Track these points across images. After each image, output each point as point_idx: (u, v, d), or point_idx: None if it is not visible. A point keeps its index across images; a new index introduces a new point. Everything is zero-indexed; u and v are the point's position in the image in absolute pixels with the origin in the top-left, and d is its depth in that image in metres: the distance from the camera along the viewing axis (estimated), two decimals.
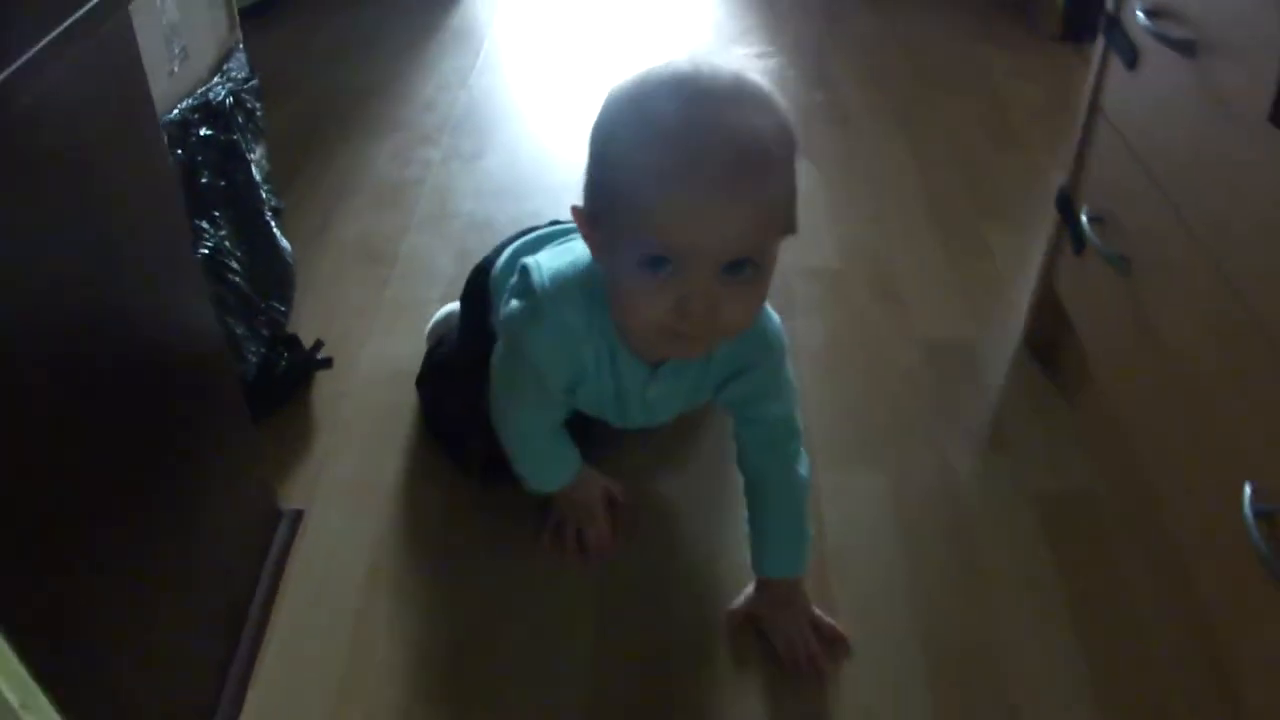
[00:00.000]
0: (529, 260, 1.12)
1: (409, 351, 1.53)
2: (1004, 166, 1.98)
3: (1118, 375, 1.30)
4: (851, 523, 1.31)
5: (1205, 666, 1.09)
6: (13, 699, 0.76)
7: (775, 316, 1.14)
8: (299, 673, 1.15)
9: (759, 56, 2.51)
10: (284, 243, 1.57)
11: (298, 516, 1.32)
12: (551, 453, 1.27)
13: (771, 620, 1.18)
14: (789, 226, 0.97)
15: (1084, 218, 1.35)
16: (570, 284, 1.08)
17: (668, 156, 0.89)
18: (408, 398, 1.48)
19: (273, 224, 1.56)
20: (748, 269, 0.93)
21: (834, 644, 1.17)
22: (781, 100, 0.94)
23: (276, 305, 1.50)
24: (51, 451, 0.81)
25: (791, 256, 1.54)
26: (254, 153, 1.59)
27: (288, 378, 1.46)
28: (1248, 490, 0.94)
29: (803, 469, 1.20)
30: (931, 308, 1.67)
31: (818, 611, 1.18)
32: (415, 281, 1.73)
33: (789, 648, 1.16)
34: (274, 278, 1.52)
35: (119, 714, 0.92)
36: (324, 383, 1.51)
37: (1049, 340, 1.55)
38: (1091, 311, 1.38)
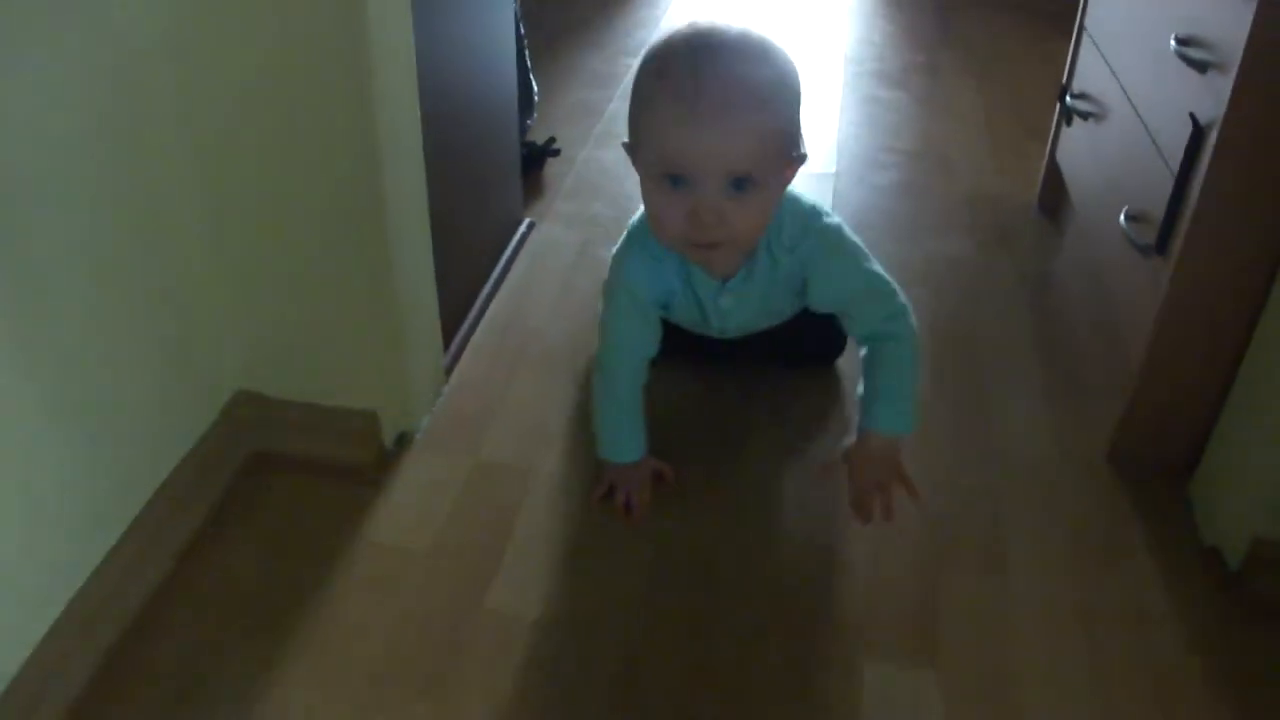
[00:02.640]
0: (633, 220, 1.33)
1: (615, 157, 2.18)
2: (1050, 106, 2.58)
3: (1080, 198, 1.88)
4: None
5: None
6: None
7: (817, 209, 1.28)
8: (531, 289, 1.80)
9: (882, 28, 3.11)
10: (529, 63, 2.20)
11: (531, 225, 1.98)
12: (628, 430, 1.37)
13: (859, 467, 1.26)
14: (789, 153, 1.15)
15: (1068, 98, 1.95)
16: (642, 225, 1.27)
17: (676, 95, 1.06)
18: (613, 182, 2.13)
19: (525, 48, 2.13)
20: (748, 185, 1.10)
21: (909, 498, 1.26)
22: (783, 53, 1.13)
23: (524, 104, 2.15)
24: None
25: (881, 139, 2.28)
26: None
27: (532, 155, 2.12)
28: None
29: (910, 347, 1.28)
30: (974, 177, 2.27)
31: (907, 476, 1.26)
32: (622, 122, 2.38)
33: (863, 491, 1.25)
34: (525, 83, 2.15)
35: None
36: (553, 164, 2.19)
37: (1053, 200, 2.14)
38: (1071, 162, 1.96)
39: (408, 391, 1.45)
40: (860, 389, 1.28)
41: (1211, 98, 1.27)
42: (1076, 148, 1.93)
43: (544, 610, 1.24)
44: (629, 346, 1.34)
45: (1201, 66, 1.32)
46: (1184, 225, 1.32)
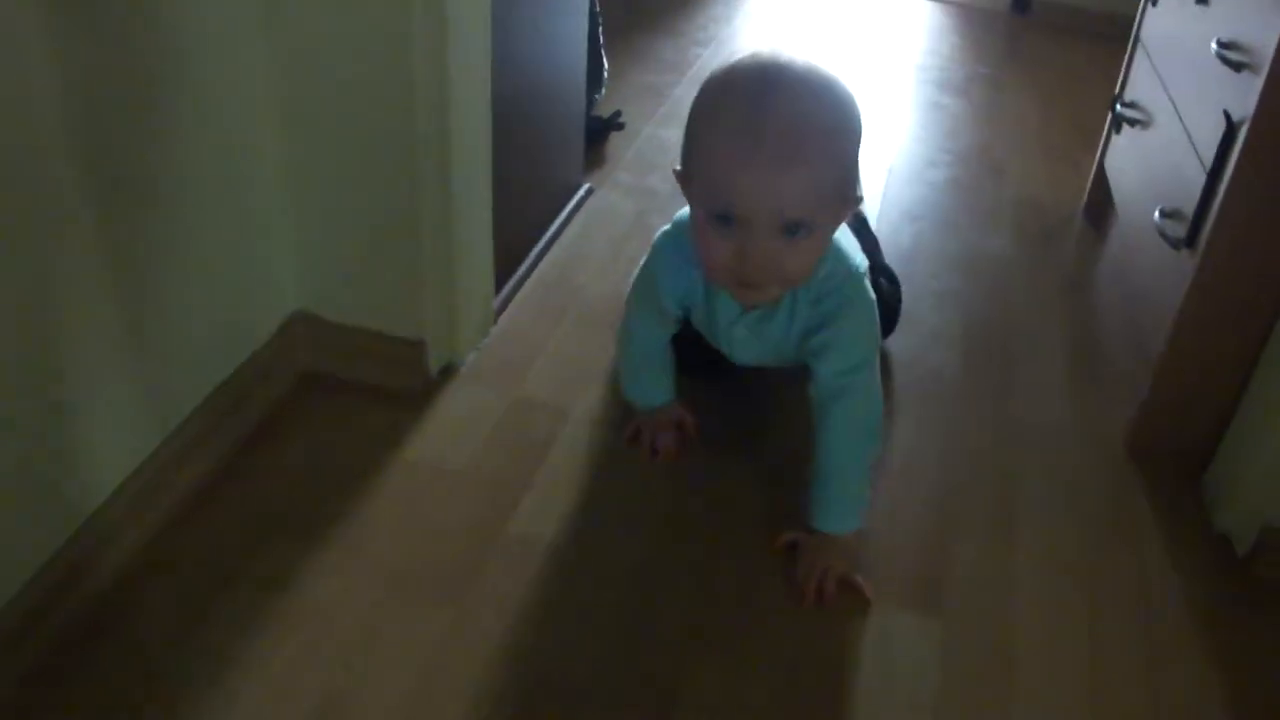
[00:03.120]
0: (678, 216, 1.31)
1: (676, 136, 2.24)
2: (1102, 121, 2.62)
3: (1123, 202, 1.92)
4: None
5: None
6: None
7: (858, 271, 1.24)
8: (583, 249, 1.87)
9: (951, 40, 3.16)
10: (602, 41, 2.28)
11: (590, 190, 2.06)
12: (653, 378, 1.39)
13: (805, 558, 1.22)
14: (845, 198, 1.10)
15: (1118, 106, 1.99)
16: (687, 225, 1.22)
17: (735, 135, 1.02)
18: (672, 159, 2.20)
19: (600, 28, 2.23)
20: (801, 231, 1.06)
21: (853, 594, 1.21)
22: (846, 90, 1.08)
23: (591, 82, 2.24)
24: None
25: (939, 141, 2.34)
26: None
27: (598, 127, 2.20)
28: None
29: (864, 428, 1.25)
30: (1023, 182, 2.31)
31: (854, 575, 1.23)
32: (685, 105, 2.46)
33: (806, 576, 1.21)
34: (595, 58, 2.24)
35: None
36: (616, 138, 2.26)
37: (1099, 207, 2.17)
38: (1117, 168, 2.00)
39: (456, 326, 1.52)
40: (811, 472, 1.25)
41: (1245, 96, 1.31)
42: (1123, 155, 1.96)
43: (564, 535, 1.30)
44: (650, 331, 1.36)
45: (1237, 67, 1.36)
46: (1211, 218, 1.36)
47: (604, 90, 2.28)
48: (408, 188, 1.36)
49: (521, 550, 1.28)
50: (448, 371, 1.54)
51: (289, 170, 1.37)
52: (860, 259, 1.26)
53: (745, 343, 1.29)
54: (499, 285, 1.65)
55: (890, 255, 1.80)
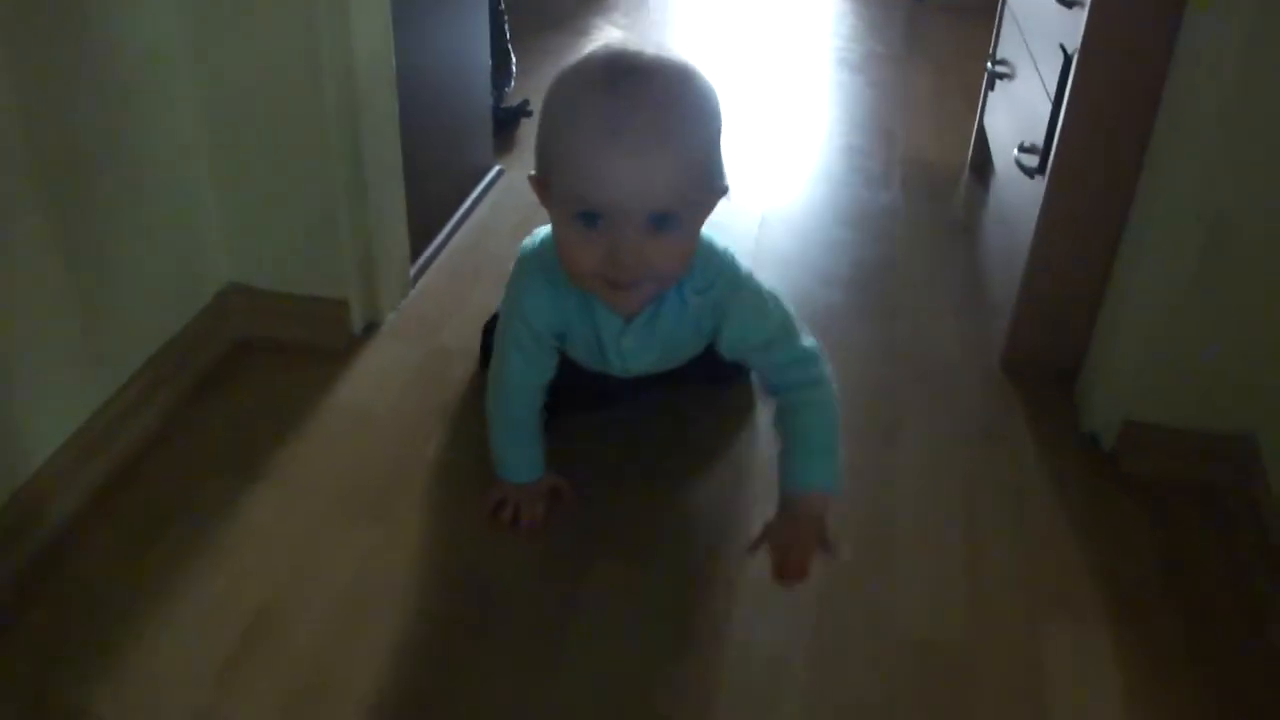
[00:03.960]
0: (529, 238, 1.24)
1: None
2: None
3: (997, 151, 2.05)
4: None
5: None
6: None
7: (729, 253, 1.18)
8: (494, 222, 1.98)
9: (850, 23, 3.29)
10: (509, 36, 2.40)
11: (500, 172, 2.17)
12: (524, 450, 1.29)
13: (785, 536, 1.12)
14: (711, 187, 1.06)
15: (989, 65, 2.12)
16: (550, 241, 1.13)
17: (594, 126, 0.96)
18: None
19: (506, 24, 2.36)
20: (672, 222, 1.00)
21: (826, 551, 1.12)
22: (704, 78, 1.03)
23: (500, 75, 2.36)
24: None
25: (833, 113, 2.49)
26: None
27: (507, 115, 2.31)
28: None
29: (827, 394, 1.19)
30: (913, 145, 2.44)
31: (828, 537, 1.13)
32: None
33: (782, 554, 1.11)
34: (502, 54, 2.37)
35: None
36: (525, 124, 2.37)
37: (981, 161, 2.31)
38: (993, 122, 2.13)
39: (375, 288, 1.64)
40: (778, 450, 1.19)
41: (1076, 30, 1.43)
42: (996, 109, 2.09)
43: (480, 458, 1.38)
44: (523, 373, 1.25)
45: (1070, 4, 1.49)
46: (1055, 143, 1.48)
47: (513, 83, 2.40)
48: (322, 167, 1.49)
49: (441, 474, 1.39)
50: (370, 329, 1.66)
51: (217, 158, 1.50)
52: (725, 242, 1.20)
53: (636, 352, 1.21)
54: (417, 254, 1.76)
55: (781, 213, 1.95)
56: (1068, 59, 1.45)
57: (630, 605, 1.23)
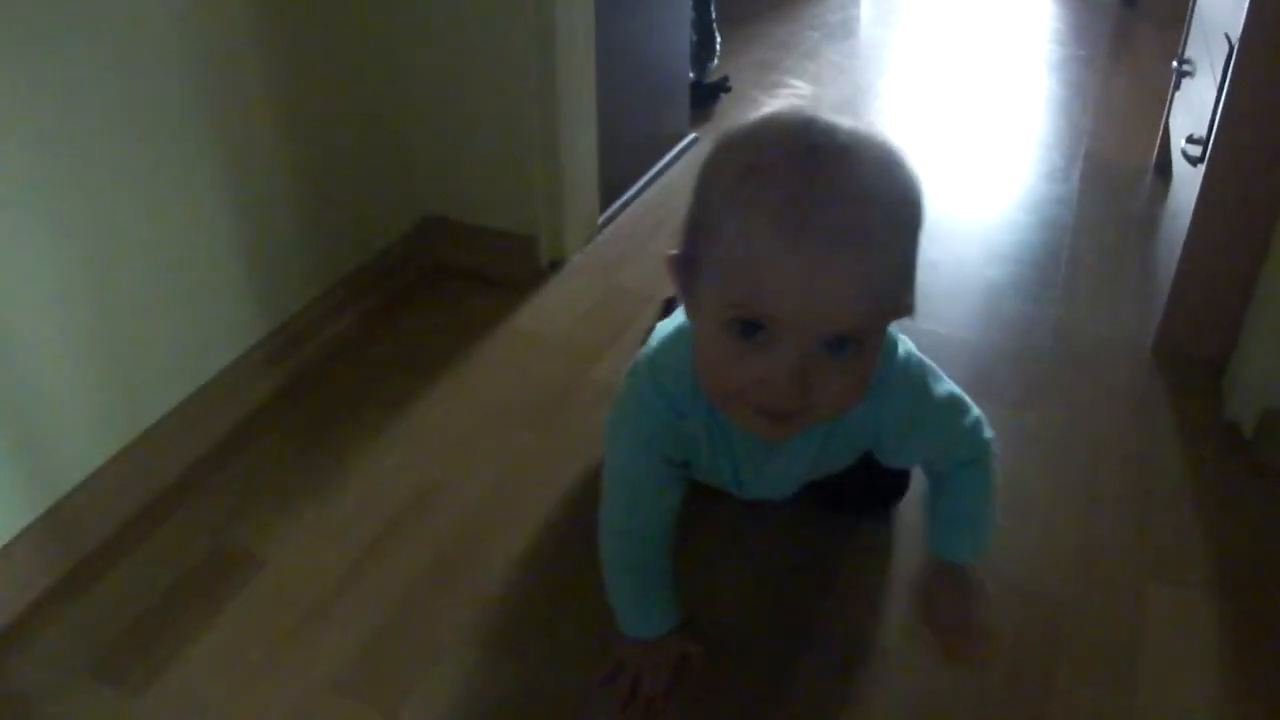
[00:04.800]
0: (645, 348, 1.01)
1: (777, 101, 2.50)
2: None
3: (1176, 149, 2.02)
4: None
5: None
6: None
7: (893, 339, 0.97)
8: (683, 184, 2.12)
9: (1057, 28, 3.27)
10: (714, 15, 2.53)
11: (695, 140, 2.30)
12: (647, 592, 1.09)
13: (935, 604, 1.03)
14: (901, 305, 0.83)
15: (1175, 64, 2.13)
16: (674, 350, 0.95)
17: (771, 216, 0.74)
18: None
19: (711, 6, 2.48)
20: (850, 348, 0.78)
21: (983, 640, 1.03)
22: (909, 167, 0.80)
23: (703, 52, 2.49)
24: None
25: (1031, 110, 2.54)
26: None
27: (708, 90, 2.45)
28: None
29: (986, 471, 1.05)
30: (1100, 143, 2.47)
31: (982, 608, 1.03)
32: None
33: (949, 631, 1.01)
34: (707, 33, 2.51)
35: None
36: (724, 100, 2.51)
37: (1165, 162, 2.30)
38: (1176, 122, 2.12)
39: (563, 229, 1.81)
40: (931, 514, 1.07)
41: (1241, 19, 1.45)
42: (1179, 108, 2.10)
43: None
44: (645, 507, 1.04)
45: None
46: (1214, 129, 1.50)
47: (716, 61, 2.53)
48: (521, 114, 1.67)
49: (598, 394, 1.53)
50: (555, 266, 1.83)
51: (426, 100, 1.70)
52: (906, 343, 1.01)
53: (782, 476, 1.05)
54: (607, 204, 1.94)
55: (957, 189, 2.06)
56: (1231, 48, 1.47)
57: None
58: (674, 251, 0.86)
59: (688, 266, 0.83)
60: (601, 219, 1.92)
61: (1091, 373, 1.64)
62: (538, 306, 1.74)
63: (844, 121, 0.79)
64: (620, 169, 1.96)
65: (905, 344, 0.99)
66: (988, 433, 1.05)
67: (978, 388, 1.48)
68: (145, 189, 1.29)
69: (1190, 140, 1.65)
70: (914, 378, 0.98)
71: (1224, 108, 1.48)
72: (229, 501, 1.36)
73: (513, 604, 1.22)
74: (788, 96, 2.57)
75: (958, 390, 1.03)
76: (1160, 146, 2.29)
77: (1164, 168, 2.25)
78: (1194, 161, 1.59)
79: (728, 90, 2.51)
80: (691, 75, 2.39)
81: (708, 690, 1.11)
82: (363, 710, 1.11)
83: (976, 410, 1.04)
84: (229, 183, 1.40)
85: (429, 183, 1.77)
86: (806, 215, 0.74)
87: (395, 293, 1.74)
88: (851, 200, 0.75)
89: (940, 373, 1.02)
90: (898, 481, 1.27)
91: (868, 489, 1.25)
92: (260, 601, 1.23)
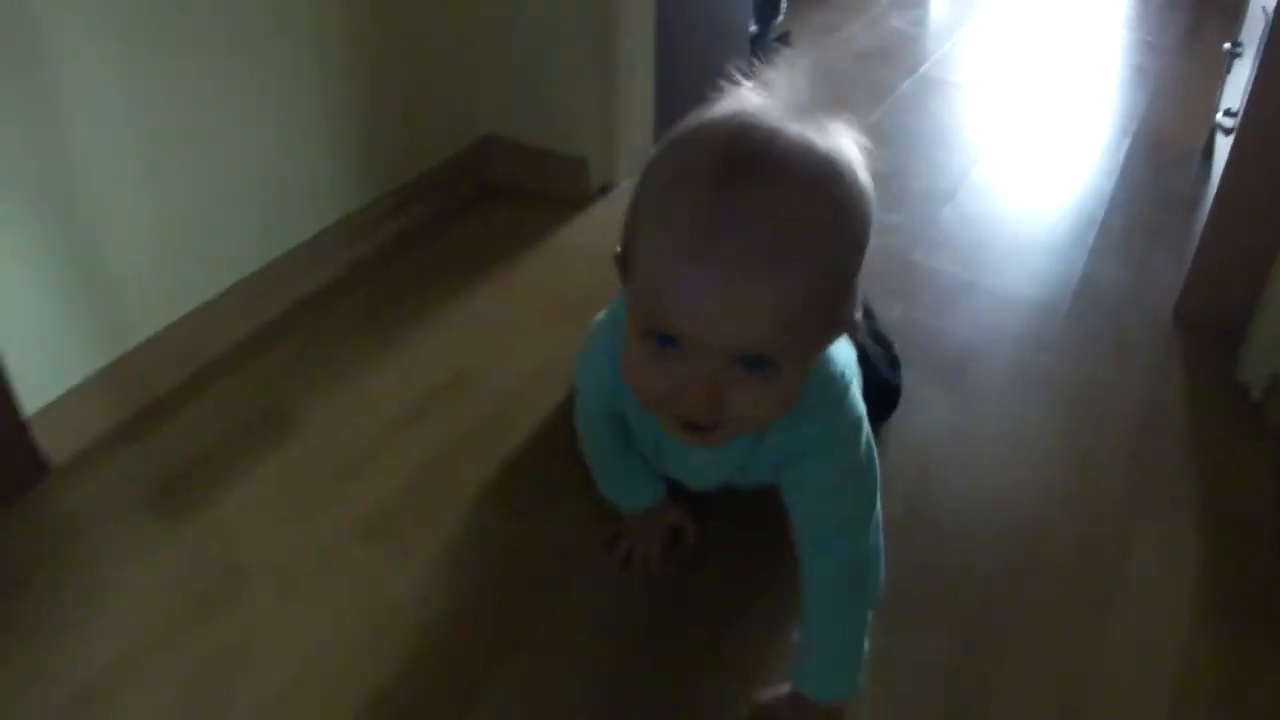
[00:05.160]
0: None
1: (836, 61, 2.56)
2: None
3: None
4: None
5: None
6: None
7: (863, 416, 0.96)
8: None
9: (1129, 15, 3.27)
10: None
11: None
12: (630, 469, 1.14)
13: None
14: (833, 322, 0.80)
15: (1227, 46, 2.14)
16: (615, 323, 0.96)
17: (681, 234, 0.72)
18: (834, 77, 2.48)
19: None
20: (766, 367, 0.75)
21: None
22: (854, 180, 0.75)
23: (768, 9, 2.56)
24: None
25: (1090, 90, 2.57)
26: None
27: (767, 45, 2.51)
28: None
29: (855, 586, 0.98)
30: (1155, 124, 2.49)
31: None
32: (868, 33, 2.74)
33: None
34: None
35: None
36: (785, 53, 2.57)
37: (1212, 143, 2.32)
38: (1224, 101, 2.11)
39: (616, 156, 1.91)
40: (803, 645, 1.01)
41: None
42: (1228, 90, 2.11)
43: None
44: (603, 435, 1.12)
45: None
46: (1246, 100, 1.53)
47: (781, 17, 2.59)
48: (579, 46, 1.77)
49: None
50: (605, 190, 1.93)
51: (492, 25, 1.81)
52: (846, 358, 0.97)
53: (703, 471, 1.06)
54: (660, 136, 2.00)
55: (1001, 154, 2.09)
56: (1268, 21, 1.51)
57: None
58: (617, 248, 0.82)
59: (624, 265, 0.80)
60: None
61: (1110, 327, 1.69)
62: (585, 223, 1.84)
63: (792, 128, 0.73)
64: (675, 107, 2.01)
65: (859, 410, 0.97)
66: (874, 542, 1.00)
67: (994, 333, 1.60)
68: (240, 88, 1.44)
69: (1226, 113, 1.68)
70: (844, 427, 0.95)
71: (1256, 79, 1.51)
72: (282, 367, 1.49)
73: (532, 474, 1.33)
74: (845, 53, 2.63)
75: (876, 505, 1.00)
76: (1211, 131, 2.31)
77: (1211, 151, 2.28)
78: (1227, 133, 1.61)
79: (788, 45, 2.57)
80: (755, 28, 2.46)
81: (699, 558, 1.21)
82: (379, 554, 1.22)
83: (879, 539, 1.01)
84: (310, 88, 1.54)
85: (491, 104, 1.87)
86: (714, 235, 0.70)
87: (453, 201, 1.85)
88: (768, 223, 0.71)
89: (877, 475, 0.99)
90: (891, 397, 1.36)
91: (878, 403, 1.24)
92: (300, 456, 1.35)
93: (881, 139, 1.03)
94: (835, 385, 0.93)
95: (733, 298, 0.71)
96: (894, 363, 1.37)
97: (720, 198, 0.70)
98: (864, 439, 0.95)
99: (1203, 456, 1.43)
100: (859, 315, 0.81)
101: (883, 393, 1.28)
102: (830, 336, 0.83)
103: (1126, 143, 2.34)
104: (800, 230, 0.71)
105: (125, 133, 1.28)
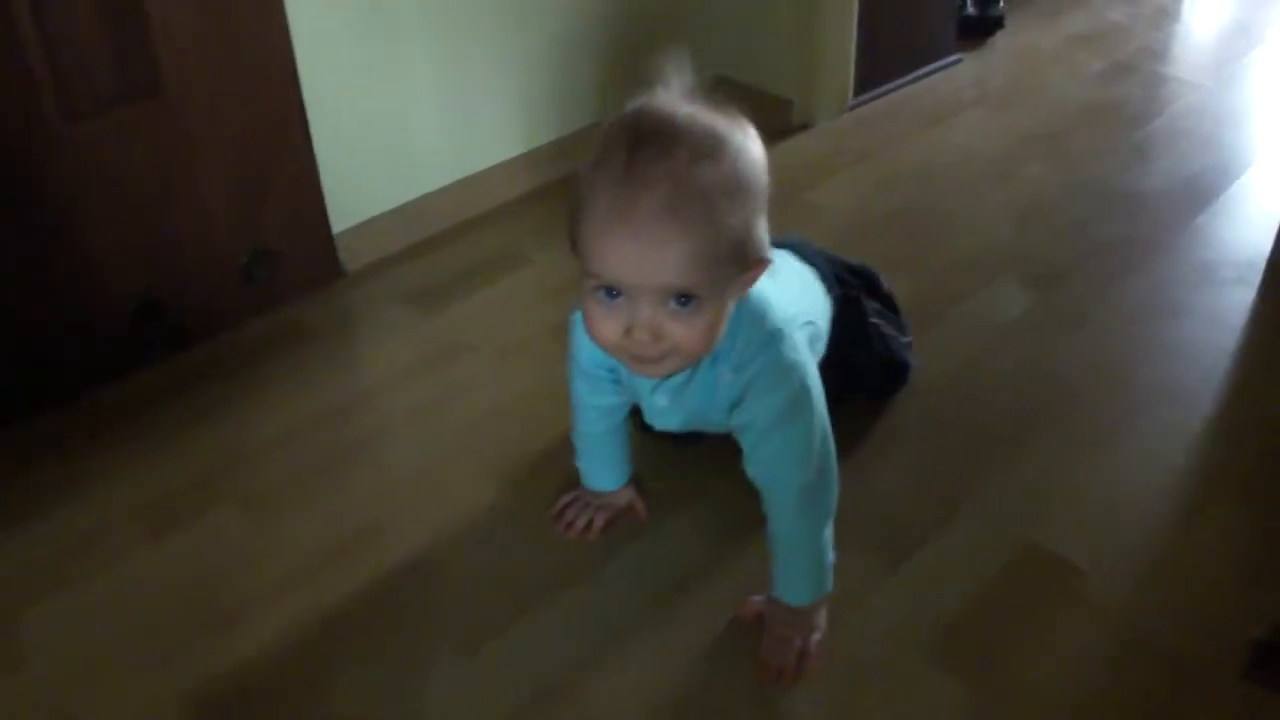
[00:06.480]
0: None
1: (1047, 43, 2.75)
2: None
3: None
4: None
5: None
6: None
7: (781, 332, 1.08)
8: (932, 93, 2.51)
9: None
10: None
11: (958, 60, 2.65)
12: (601, 462, 1.31)
13: (770, 628, 1.15)
14: (742, 261, 0.95)
15: None
16: None
17: (605, 205, 0.90)
18: (1043, 64, 2.68)
19: None
20: (693, 302, 0.92)
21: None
22: (741, 140, 0.94)
23: None
24: None
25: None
26: None
27: (977, 22, 2.77)
28: None
29: (808, 511, 1.12)
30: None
31: (816, 639, 1.14)
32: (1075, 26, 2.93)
33: (769, 656, 1.14)
34: None
35: None
36: (999, 35, 2.81)
37: None
38: None
39: (817, 100, 2.26)
40: (772, 558, 1.16)
41: None
42: None
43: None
44: (587, 394, 1.24)
45: None
46: None
47: (1003, 2, 2.84)
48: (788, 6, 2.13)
49: (811, 209, 1.98)
50: (804, 127, 2.28)
51: None
52: (789, 313, 1.11)
53: (667, 411, 1.16)
54: (860, 91, 2.34)
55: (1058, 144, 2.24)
56: None
57: None
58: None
59: (573, 239, 0.96)
60: (852, 102, 2.32)
61: (1171, 203, 1.93)
62: (786, 150, 2.19)
63: (683, 108, 0.92)
64: (876, 66, 2.34)
65: (801, 356, 1.10)
66: (813, 478, 1.10)
67: (1048, 208, 1.89)
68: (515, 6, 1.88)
69: None
70: (785, 369, 1.07)
71: None
72: (524, 228, 1.96)
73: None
74: (1064, 37, 2.80)
75: (825, 446, 1.11)
76: None
77: None
78: None
79: (1001, 25, 2.81)
80: (974, 10, 2.74)
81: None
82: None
83: (816, 472, 1.10)
84: (544, 23, 1.95)
85: (704, 42, 2.21)
86: (627, 204, 0.88)
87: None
88: (669, 184, 0.88)
89: (825, 422, 1.11)
90: (900, 372, 1.47)
91: (883, 376, 1.45)
92: (519, 286, 1.82)
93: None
94: (771, 332, 1.06)
95: (650, 246, 0.89)
96: (904, 331, 1.50)
97: (631, 167, 0.89)
98: (799, 381, 1.08)
99: (1231, 358, 1.59)
100: (769, 255, 0.99)
101: (886, 366, 1.43)
102: (742, 272, 0.97)
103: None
104: (696, 186, 0.89)
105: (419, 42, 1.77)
